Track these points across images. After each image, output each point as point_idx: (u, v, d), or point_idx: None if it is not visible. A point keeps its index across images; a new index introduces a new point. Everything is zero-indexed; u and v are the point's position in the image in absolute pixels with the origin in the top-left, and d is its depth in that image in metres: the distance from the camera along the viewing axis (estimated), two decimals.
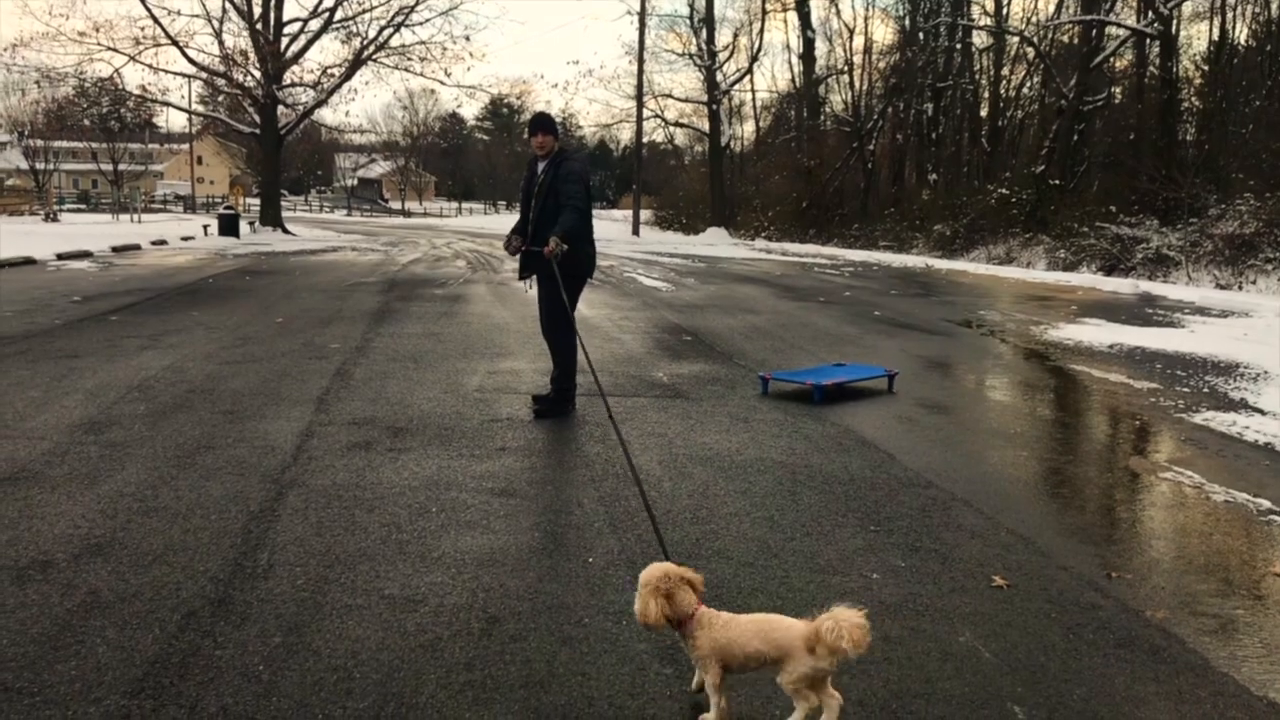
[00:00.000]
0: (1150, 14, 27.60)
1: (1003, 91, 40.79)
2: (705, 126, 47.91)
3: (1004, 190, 32.81)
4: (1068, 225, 28.54)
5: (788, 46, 49.93)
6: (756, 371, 8.44)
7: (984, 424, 6.98)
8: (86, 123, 75.29)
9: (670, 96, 46.16)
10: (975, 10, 40.26)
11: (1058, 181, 31.59)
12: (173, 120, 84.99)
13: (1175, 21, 29.61)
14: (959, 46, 40.06)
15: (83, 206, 68.49)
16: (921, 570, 4.03)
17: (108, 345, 8.98)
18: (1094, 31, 30.97)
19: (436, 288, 15.64)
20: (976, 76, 40.42)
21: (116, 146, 77.78)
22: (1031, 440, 6.51)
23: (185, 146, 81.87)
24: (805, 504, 4.86)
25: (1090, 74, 31.24)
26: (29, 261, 18.30)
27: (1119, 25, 30.13)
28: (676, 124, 49.13)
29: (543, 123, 6.57)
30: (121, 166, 79.11)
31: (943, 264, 27.03)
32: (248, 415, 6.38)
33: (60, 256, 19.68)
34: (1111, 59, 33.01)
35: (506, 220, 52.99)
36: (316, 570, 3.82)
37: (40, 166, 70.26)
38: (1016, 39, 38.82)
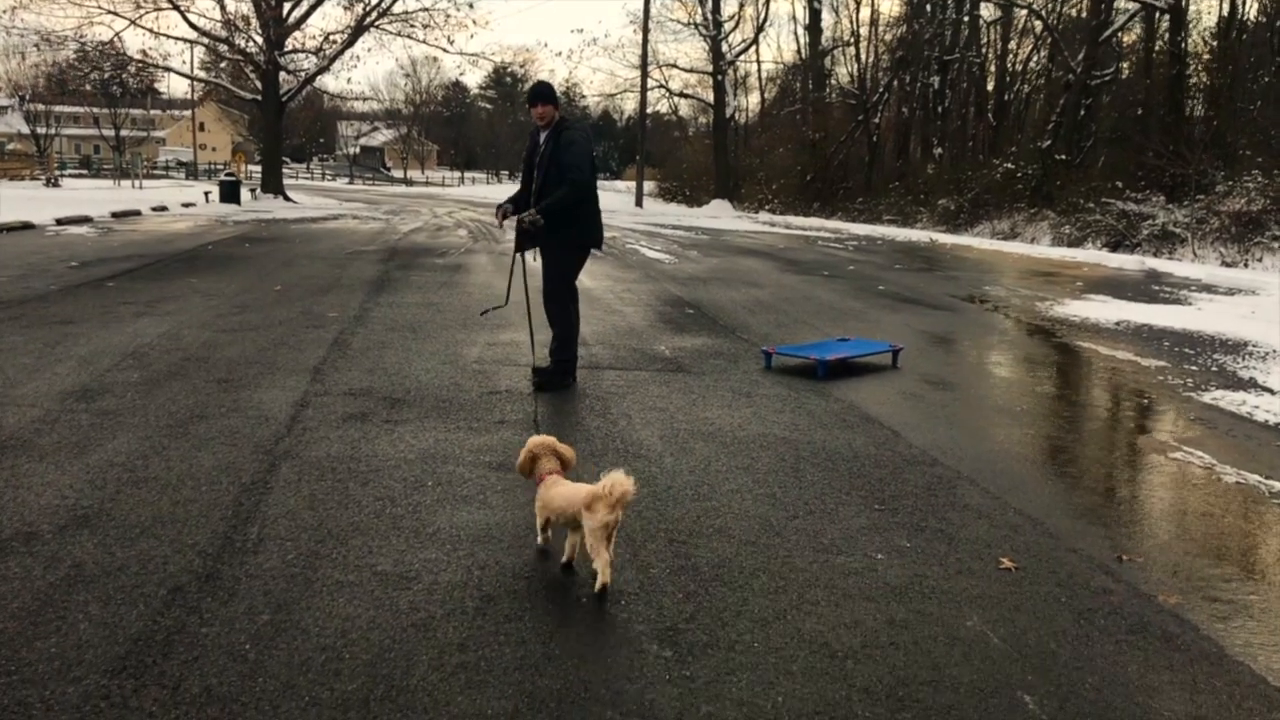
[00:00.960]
0: None
1: (1010, 65, 40.48)
2: (710, 98, 47.58)
3: (1009, 165, 32.57)
4: (1073, 201, 28.32)
5: (793, 18, 49.50)
6: (759, 345, 8.33)
7: (989, 401, 6.87)
8: (88, 88, 74.98)
9: (675, 66, 45.81)
10: None
11: (1064, 157, 31.33)
12: (174, 86, 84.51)
13: None
14: (966, 19, 39.68)
15: (84, 172, 68.12)
16: (927, 551, 3.93)
17: (103, 312, 8.87)
18: (1103, 4, 30.65)
19: (437, 257, 15.50)
20: (983, 50, 40.06)
21: (118, 112, 77.44)
22: (1038, 418, 6.40)
23: (187, 113, 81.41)
24: (808, 481, 4.76)
25: (1099, 48, 30.94)
26: (27, 226, 18.16)
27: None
28: (681, 94, 48.77)
29: (542, 93, 6.40)
30: (123, 132, 78.77)
31: (947, 239, 26.87)
32: (242, 384, 6.28)
33: (59, 221, 19.53)
34: (1119, 34, 32.69)
35: (509, 190, 52.74)
36: (308, 545, 3.73)
37: (42, 131, 70.06)
38: (1024, 12, 38.50)
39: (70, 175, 60.26)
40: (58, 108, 71.67)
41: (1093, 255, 21.65)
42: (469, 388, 6.50)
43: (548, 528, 3.80)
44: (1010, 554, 3.92)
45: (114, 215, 22.63)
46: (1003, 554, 3.92)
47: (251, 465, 4.66)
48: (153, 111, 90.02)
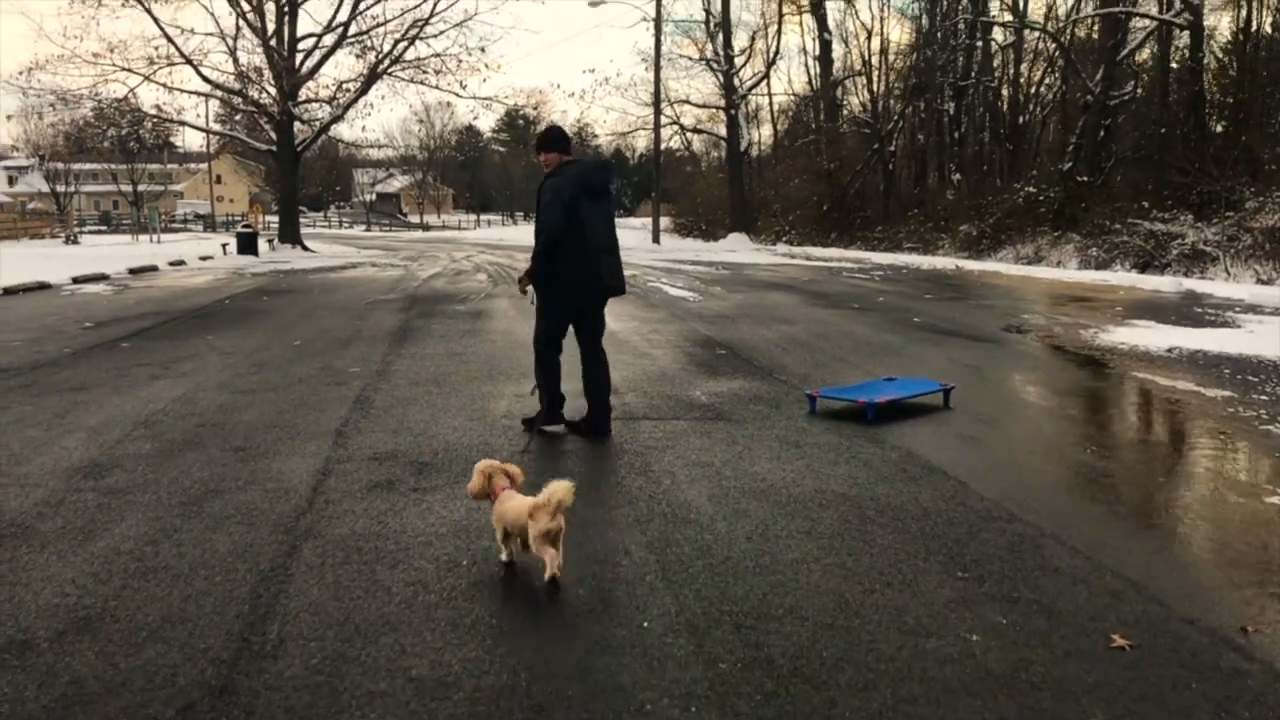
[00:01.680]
0: (1179, 3, 26.91)
1: (1023, 89, 40.15)
2: (723, 131, 47.44)
3: (1031, 189, 32.17)
4: (1099, 223, 27.87)
5: (804, 50, 49.38)
6: (801, 388, 7.93)
7: (1054, 443, 6.43)
8: (106, 144, 75.66)
9: (688, 102, 45.75)
10: (994, 6, 39.69)
11: (1086, 178, 30.92)
12: (190, 140, 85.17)
13: (1201, 11, 28.96)
14: (979, 44, 39.43)
15: (103, 228, 68.67)
16: (1026, 628, 3.50)
17: (116, 375, 8.55)
18: (1119, 24, 30.35)
19: (458, 303, 15.19)
20: (996, 74, 39.73)
21: (136, 167, 78.09)
22: (1111, 461, 5.96)
23: (204, 166, 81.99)
24: (879, 545, 4.34)
25: (1116, 67, 30.60)
26: (44, 286, 17.97)
27: (1149, 17, 29.45)
28: (694, 130, 48.69)
29: (541, 141, 6.50)
30: (141, 187, 79.39)
31: (973, 265, 26.43)
32: (260, 452, 5.91)
33: (76, 280, 19.37)
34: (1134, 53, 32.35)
35: (525, 231, 52.73)
36: (333, 645, 3.33)
37: (61, 189, 70.66)
38: (1035, 35, 38.24)
39: (89, 232, 60.70)
40: (76, 165, 72.27)
41: (1124, 278, 21.17)
42: (499, 446, 6.11)
43: (508, 540, 4.09)
44: (1120, 628, 3.49)
45: (131, 272, 22.48)
46: (1111, 628, 3.48)
47: (270, 548, 4.28)
48: (169, 166, 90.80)
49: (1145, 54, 33.74)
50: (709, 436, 6.38)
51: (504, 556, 4.10)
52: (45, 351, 9.99)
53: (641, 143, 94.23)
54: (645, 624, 3.52)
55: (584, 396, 6.59)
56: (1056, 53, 35.74)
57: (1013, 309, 14.59)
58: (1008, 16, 38.45)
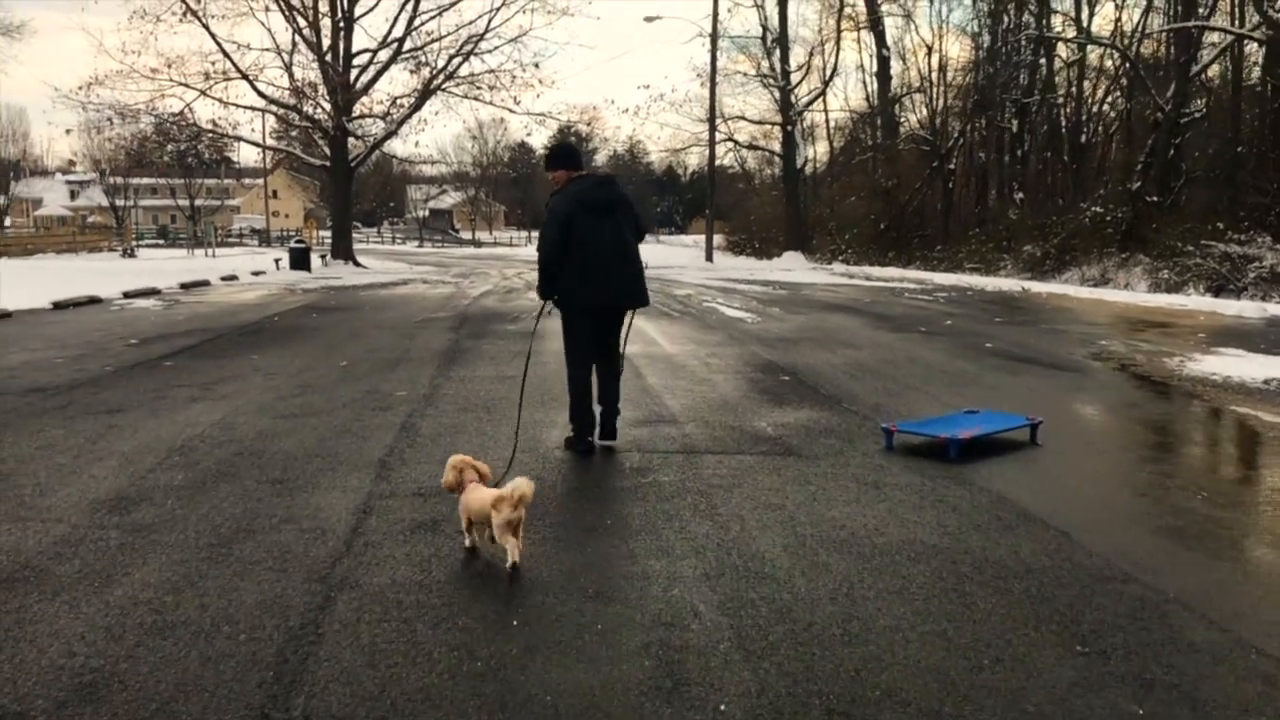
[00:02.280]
0: (1258, 17, 26.03)
1: (1088, 107, 39.22)
2: (777, 148, 46.95)
3: (1098, 208, 31.28)
4: (1170, 244, 26.97)
5: (861, 66, 48.70)
6: (874, 419, 7.42)
7: (1158, 487, 5.86)
8: (165, 159, 76.84)
9: (743, 119, 45.25)
10: (1056, 21, 38.81)
11: (1155, 198, 30.00)
12: (246, 155, 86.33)
13: None
14: (1042, 61, 38.57)
15: (161, 241, 69.62)
16: None
17: (155, 397, 8.24)
18: (1193, 37, 29.47)
19: (509, 323, 14.84)
20: (1060, 91, 38.80)
21: (193, 182, 79.26)
22: (1227, 510, 5.38)
23: (260, 181, 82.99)
24: (982, 610, 3.83)
25: (1189, 84, 29.70)
26: (94, 301, 17.89)
27: (1225, 31, 28.55)
28: (750, 146, 48.14)
29: (548, 159, 6.76)
30: (198, 202, 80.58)
31: (1040, 287, 25.63)
32: (298, 485, 5.52)
33: (127, 295, 19.30)
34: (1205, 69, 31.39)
35: None
36: None
37: (120, 203, 71.85)
38: (1099, 52, 37.34)
39: (146, 245, 61.57)
40: (135, 180, 73.45)
41: (1200, 302, 20.34)
42: (551, 482, 5.67)
43: (471, 528, 4.44)
44: None
45: (182, 286, 22.44)
46: None
47: (302, 599, 3.86)
48: (226, 181, 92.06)
49: (1213, 70, 32.78)
50: (779, 474, 5.89)
51: (467, 543, 4.46)
52: (86, 370, 9.73)
53: (694, 160, 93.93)
54: (722, 706, 3.05)
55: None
56: (1124, 69, 34.81)
57: (1088, 334, 13.93)
58: (1072, 32, 37.59)
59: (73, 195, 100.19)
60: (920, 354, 11.42)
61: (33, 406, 7.79)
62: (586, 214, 6.22)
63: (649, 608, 3.81)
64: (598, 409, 6.54)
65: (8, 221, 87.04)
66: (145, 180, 79.51)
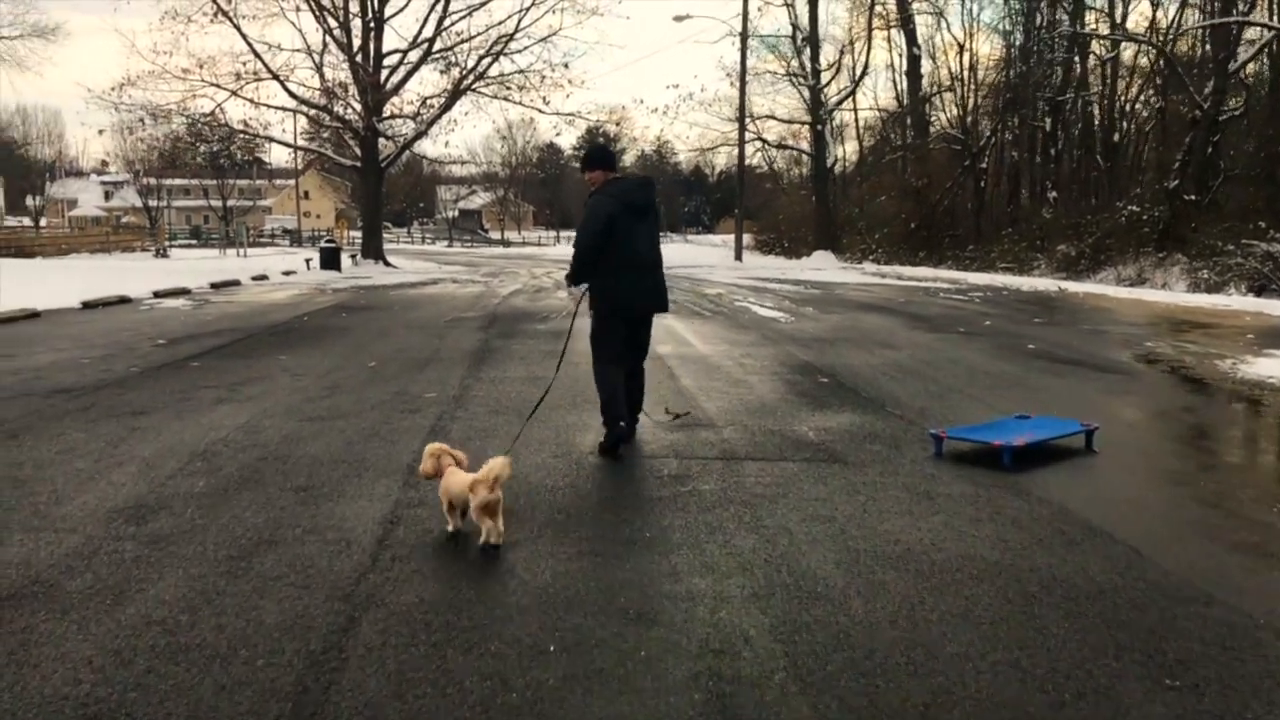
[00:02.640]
0: None
1: (1122, 104, 38.59)
2: (806, 147, 46.57)
3: (1134, 207, 30.71)
4: (1209, 243, 26.44)
5: (890, 65, 48.16)
6: (921, 425, 7.13)
7: (1228, 498, 5.53)
8: (198, 160, 77.33)
9: (773, 118, 44.93)
10: (1090, 19, 38.20)
11: (1193, 196, 29.43)
12: (276, 155, 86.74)
13: None
14: (1076, 59, 37.98)
15: (193, 242, 69.97)
16: None
17: (180, 399, 8.05)
18: (1232, 34, 28.89)
19: (539, 322, 14.61)
20: (1094, 89, 38.15)
21: (225, 183, 79.77)
22: None
23: (292, 182, 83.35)
24: (1056, 636, 3.54)
25: (1227, 80, 29.10)
26: (124, 301, 17.82)
27: (1265, 26, 27.97)
28: (779, 146, 47.79)
29: (585, 160, 6.68)
30: (230, 202, 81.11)
31: (1077, 287, 25.17)
32: (324, 493, 5.29)
33: (157, 294, 19.23)
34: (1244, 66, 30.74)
35: None
36: None
37: (153, 204, 72.38)
38: (1133, 50, 36.72)
39: (179, 245, 61.88)
40: (168, 181, 73.97)
41: (1244, 302, 19.85)
42: (586, 491, 5.42)
43: (453, 511, 4.60)
44: None
45: (213, 286, 22.37)
46: None
47: (325, 619, 3.62)
48: (258, 181, 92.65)
49: (1250, 67, 32.11)
50: (825, 483, 5.61)
51: (450, 527, 4.63)
52: (112, 370, 9.57)
53: (721, 160, 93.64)
54: None
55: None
56: (1159, 66, 34.18)
57: (1132, 335, 13.54)
58: (1106, 29, 37.00)
59: (107, 196, 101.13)
60: (961, 355, 11.09)
61: (56, 408, 7.62)
62: (628, 215, 6.26)
63: (696, 632, 3.55)
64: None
65: (43, 221, 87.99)
66: (178, 181, 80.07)
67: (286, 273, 29.12)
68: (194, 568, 4.15)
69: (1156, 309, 18.56)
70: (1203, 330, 14.42)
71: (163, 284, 20.76)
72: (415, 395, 8.33)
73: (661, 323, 14.23)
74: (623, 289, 6.37)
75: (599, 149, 6.82)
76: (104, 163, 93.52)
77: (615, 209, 6.22)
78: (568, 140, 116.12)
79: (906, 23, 42.78)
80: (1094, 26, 37.90)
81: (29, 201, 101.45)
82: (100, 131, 62.01)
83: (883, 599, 3.88)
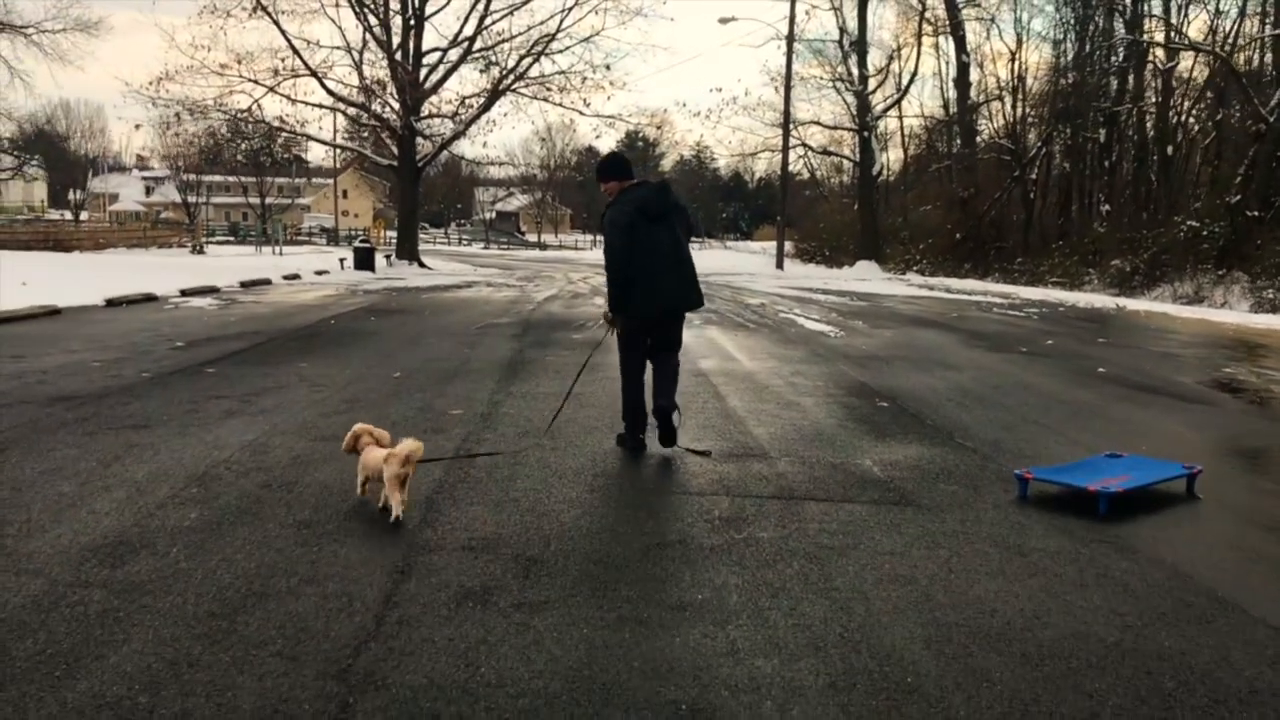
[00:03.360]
0: None
1: (1178, 116, 37.41)
2: (849, 154, 45.73)
3: (1193, 222, 29.64)
4: (1275, 261, 25.41)
5: (937, 73, 47.02)
6: (996, 460, 6.42)
7: None
8: (240, 158, 77.61)
9: (818, 124, 44.05)
10: (1146, 25, 37.05)
11: (1256, 212, 28.36)
12: (314, 154, 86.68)
13: None
14: (1132, 69, 36.88)
15: (231, 238, 70.10)
16: None
17: (187, 410, 7.47)
18: None
19: (574, 331, 13.98)
20: (1149, 100, 36.99)
21: (264, 180, 79.96)
22: None
23: (330, 181, 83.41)
24: None
25: None
26: (150, 299, 17.38)
27: None
28: (824, 152, 46.96)
29: (599, 170, 6.79)
30: (269, 200, 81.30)
31: (1135, 304, 24.21)
32: (328, 531, 4.66)
33: (184, 292, 18.79)
34: None
35: None
36: None
37: (192, 200, 72.67)
38: (1191, 60, 35.58)
39: (217, 242, 61.96)
40: (208, 177, 74.24)
41: None
42: (628, 536, 4.75)
43: (366, 483, 5.12)
44: None
45: (242, 285, 21.95)
46: None
47: (312, 705, 2.98)
48: (298, 180, 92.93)
49: None
50: (899, 531, 4.91)
51: (359, 493, 5.17)
52: (122, 376, 9.02)
53: (761, 166, 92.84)
54: None
55: (651, 415, 6.52)
56: (1220, 78, 33.05)
57: (1205, 359, 12.70)
58: (1158, 36, 35.88)
59: (148, 191, 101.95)
60: (1028, 379, 10.32)
61: (53, 418, 7.06)
62: (647, 221, 6.31)
63: None
64: (650, 407, 6.55)
65: (85, 216, 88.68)
66: (218, 178, 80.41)
67: (319, 272, 28.71)
68: (167, 627, 3.52)
69: (1224, 330, 17.64)
70: None
71: (191, 281, 20.35)
72: (440, 412, 7.70)
73: (704, 335, 13.57)
74: (641, 293, 6.33)
75: (611, 158, 6.94)
76: (140, 158, 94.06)
77: (633, 217, 6.28)
78: (606, 144, 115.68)
79: (956, 29, 41.82)
80: (1151, 35, 36.81)
81: (71, 195, 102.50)
82: (137, 126, 62.25)
83: (987, 695, 3.19)
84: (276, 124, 33.34)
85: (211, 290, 19.98)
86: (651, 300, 6.36)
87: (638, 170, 6.87)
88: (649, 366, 6.58)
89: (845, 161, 57.65)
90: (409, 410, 7.71)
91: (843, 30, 41.83)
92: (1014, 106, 43.22)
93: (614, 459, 6.28)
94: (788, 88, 37.45)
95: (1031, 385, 9.86)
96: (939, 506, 5.39)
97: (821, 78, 44.43)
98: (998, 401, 8.85)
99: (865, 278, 35.51)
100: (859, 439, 7.11)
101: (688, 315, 6.85)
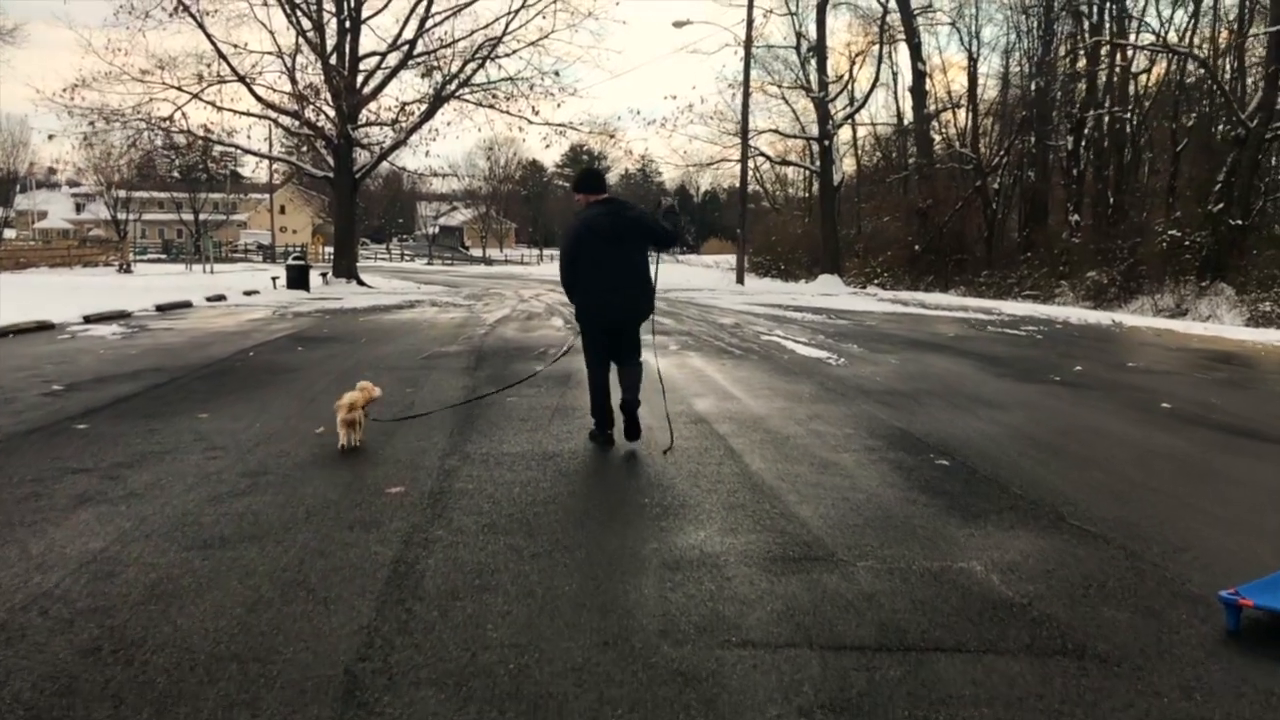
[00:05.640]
0: None
1: (1150, 123, 36.30)
2: (809, 164, 44.22)
3: (1174, 231, 28.42)
4: (1268, 271, 24.20)
5: (888, 84, 45.40)
6: (1141, 554, 4.64)
7: None
8: (175, 173, 74.56)
9: (777, 132, 42.52)
10: (1109, 29, 35.96)
11: (1240, 221, 27.22)
12: (248, 169, 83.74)
13: None
14: (1103, 73, 35.75)
15: (164, 256, 67.05)
16: None
17: (25, 496, 5.43)
18: None
19: (535, 359, 12.05)
20: (1120, 105, 35.86)
21: (198, 196, 77.02)
22: None
23: (267, 197, 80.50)
24: None
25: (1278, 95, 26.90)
26: (44, 327, 15.13)
27: None
28: (783, 162, 45.42)
29: (573, 183, 7.25)
30: (204, 216, 78.26)
31: (1138, 321, 22.70)
32: None
33: (87, 319, 16.51)
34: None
35: None
36: None
37: (122, 217, 69.57)
38: (1161, 67, 34.60)
39: (148, 260, 59.11)
40: (140, 194, 71.24)
41: None
42: None
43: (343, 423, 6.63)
44: None
45: (158, 308, 19.70)
46: None
47: None
48: (233, 196, 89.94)
49: None
50: (1093, 712, 3.07)
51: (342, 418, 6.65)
52: None
53: (707, 180, 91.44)
54: None
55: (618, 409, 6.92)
56: (1202, 81, 31.93)
57: (1260, 384, 11.08)
58: (1132, 38, 34.78)
59: (78, 208, 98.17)
60: (1093, 420, 8.58)
61: None
62: (595, 238, 6.68)
63: None
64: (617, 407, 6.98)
65: (11, 234, 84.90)
66: (151, 194, 77.29)
67: (249, 292, 26.42)
68: None
69: (1252, 349, 16.12)
70: None
71: (100, 305, 18.07)
72: (374, 488, 5.74)
73: (687, 364, 11.72)
74: (591, 305, 6.85)
75: (584, 174, 7.24)
76: (50, 169, 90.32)
77: (580, 233, 6.73)
78: (551, 157, 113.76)
79: (911, 36, 40.55)
80: (1123, 37, 35.68)
81: None
82: (50, 137, 58.69)
83: None
84: (202, 133, 30.90)
85: (120, 316, 17.73)
86: (598, 314, 6.84)
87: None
88: (615, 369, 6.97)
89: (792, 175, 56.42)
90: (331, 486, 5.74)
91: (800, 35, 40.43)
92: (971, 116, 42.06)
93: (623, 573, 4.38)
94: (745, 94, 35.83)
95: (1102, 430, 8.11)
96: (1127, 657, 3.57)
97: (780, 85, 42.77)
98: (1079, 455, 7.07)
99: (829, 292, 33.92)
100: (943, 522, 5.27)
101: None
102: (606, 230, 6.64)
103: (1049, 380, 11.11)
